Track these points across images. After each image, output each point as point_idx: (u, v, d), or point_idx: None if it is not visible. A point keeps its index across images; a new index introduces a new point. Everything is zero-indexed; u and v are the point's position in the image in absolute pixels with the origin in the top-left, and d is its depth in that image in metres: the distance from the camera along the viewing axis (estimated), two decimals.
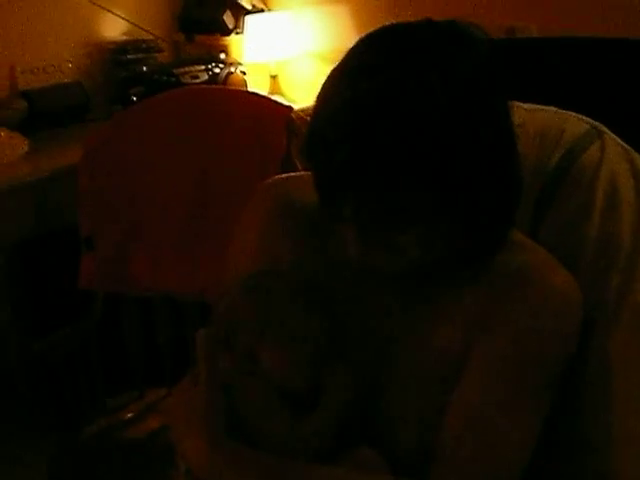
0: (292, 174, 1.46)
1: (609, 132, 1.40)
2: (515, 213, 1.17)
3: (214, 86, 3.53)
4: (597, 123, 1.42)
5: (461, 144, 1.02)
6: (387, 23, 1.13)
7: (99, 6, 3.64)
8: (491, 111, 1.08)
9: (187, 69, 3.65)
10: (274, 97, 3.43)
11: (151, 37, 3.87)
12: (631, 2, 2.78)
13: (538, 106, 1.47)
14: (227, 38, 3.96)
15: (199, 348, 1.17)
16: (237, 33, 3.93)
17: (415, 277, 1.21)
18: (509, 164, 1.12)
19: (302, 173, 1.45)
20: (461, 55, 1.06)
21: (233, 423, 1.12)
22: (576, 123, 1.42)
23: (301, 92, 3.81)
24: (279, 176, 1.43)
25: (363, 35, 1.12)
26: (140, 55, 3.76)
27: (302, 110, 2.29)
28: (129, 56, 3.72)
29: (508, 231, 1.18)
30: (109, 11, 3.71)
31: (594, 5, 2.90)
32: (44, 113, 3.35)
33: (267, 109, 2.30)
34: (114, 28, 3.80)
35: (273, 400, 1.13)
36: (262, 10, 3.95)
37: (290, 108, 2.27)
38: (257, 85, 3.85)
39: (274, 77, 3.88)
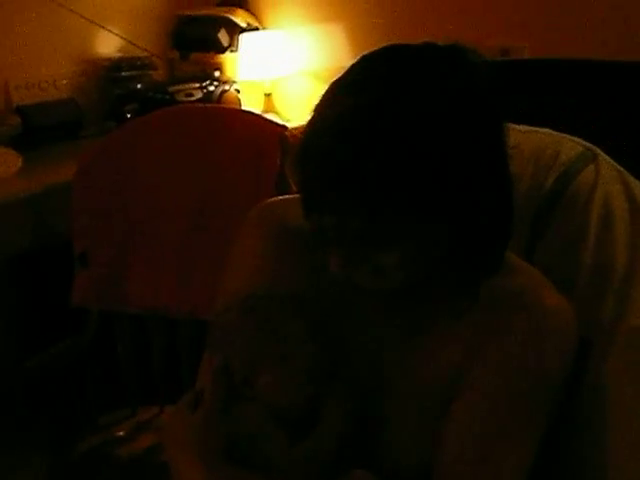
0: (286, 196, 1.46)
1: (603, 154, 1.42)
2: (510, 233, 1.17)
3: (208, 104, 3.54)
4: (591, 145, 1.43)
5: (453, 150, 1.04)
6: (381, 42, 1.14)
7: (94, 23, 3.64)
8: (484, 122, 1.10)
9: (181, 87, 3.64)
10: (268, 115, 3.44)
11: (146, 54, 3.86)
12: (622, 24, 2.81)
13: (533, 128, 1.48)
14: (222, 56, 3.95)
15: (203, 370, 1.18)
16: (232, 51, 3.93)
17: (406, 297, 1.21)
18: (501, 179, 1.13)
19: (296, 195, 1.46)
20: (458, 69, 1.09)
21: (230, 447, 1.12)
22: (570, 145, 1.43)
23: (295, 110, 3.82)
24: (273, 199, 1.43)
25: (364, 52, 1.14)
26: (134, 72, 3.75)
27: (296, 128, 2.30)
28: (123, 73, 3.71)
29: (502, 250, 1.18)
30: (104, 28, 3.71)
31: (586, 27, 2.92)
32: (38, 129, 3.34)
33: (261, 127, 2.31)
34: (109, 45, 3.79)
35: (269, 424, 1.13)
36: (257, 28, 3.96)
37: (284, 127, 2.27)
38: (251, 103, 3.85)
39: (268, 95, 3.88)
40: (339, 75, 1.13)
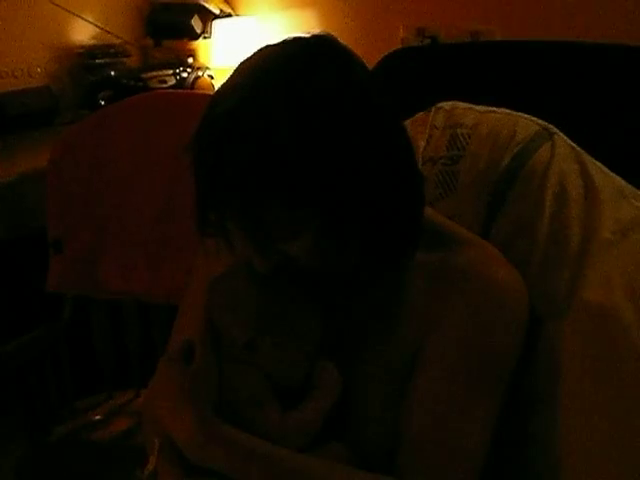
0: None
1: (560, 133, 1.43)
2: (418, 209, 1.20)
3: (181, 90, 3.55)
4: (548, 124, 1.45)
5: (310, 159, 1.04)
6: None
7: (68, 11, 3.65)
8: (350, 126, 1.08)
9: (155, 73, 3.67)
10: None
11: (119, 42, 3.88)
12: (590, 6, 2.84)
13: (490, 108, 1.50)
14: (195, 42, 3.98)
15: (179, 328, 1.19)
16: (205, 38, 3.95)
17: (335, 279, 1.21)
18: (390, 162, 1.13)
19: None
20: (322, 68, 1.08)
21: (221, 407, 1.11)
22: (527, 124, 1.45)
23: None
24: None
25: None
26: (108, 60, 3.76)
27: None
28: (97, 60, 3.73)
29: (414, 223, 1.19)
30: (78, 16, 3.71)
31: (555, 9, 2.95)
32: (13, 117, 3.34)
33: None
34: (83, 33, 3.80)
35: (265, 390, 1.14)
36: (230, 15, 3.97)
37: None
38: None
39: None
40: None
